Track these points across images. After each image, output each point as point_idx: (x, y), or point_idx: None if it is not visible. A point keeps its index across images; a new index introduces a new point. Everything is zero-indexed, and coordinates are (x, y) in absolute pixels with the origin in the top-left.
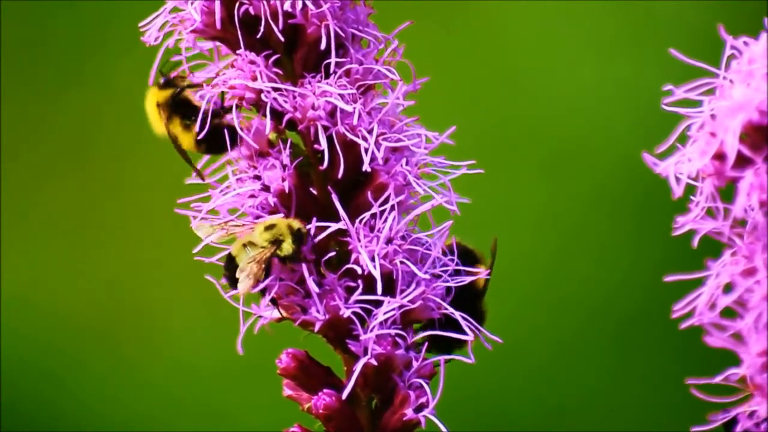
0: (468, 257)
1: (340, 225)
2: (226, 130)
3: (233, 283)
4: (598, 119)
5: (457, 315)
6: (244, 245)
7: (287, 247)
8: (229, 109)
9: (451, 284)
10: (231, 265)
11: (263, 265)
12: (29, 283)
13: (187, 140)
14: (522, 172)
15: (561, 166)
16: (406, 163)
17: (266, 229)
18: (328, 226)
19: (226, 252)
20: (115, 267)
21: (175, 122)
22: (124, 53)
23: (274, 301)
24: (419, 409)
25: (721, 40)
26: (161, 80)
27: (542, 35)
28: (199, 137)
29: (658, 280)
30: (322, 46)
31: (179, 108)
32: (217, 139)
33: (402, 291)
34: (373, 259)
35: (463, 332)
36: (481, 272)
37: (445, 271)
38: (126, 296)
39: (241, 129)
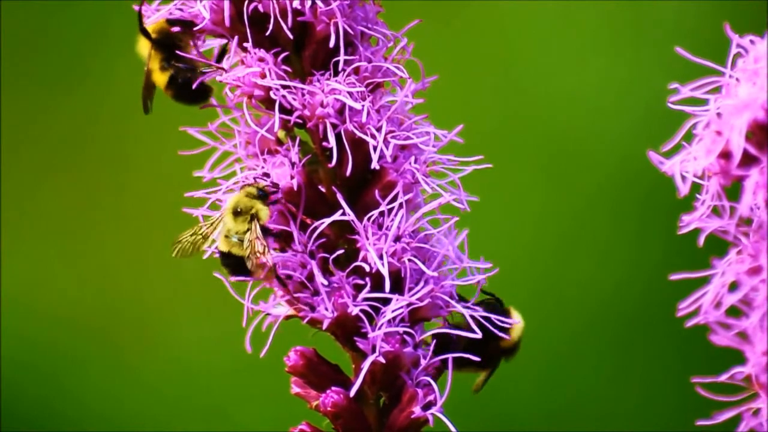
0: (496, 311)
1: (345, 217)
2: (195, 83)
3: (244, 269)
4: (599, 119)
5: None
6: (227, 236)
7: (264, 213)
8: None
9: (458, 283)
10: (230, 259)
11: (261, 240)
12: (29, 284)
13: (160, 80)
14: (522, 172)
15: (561, 165)
16: (415, 161)
17: (234, 214)
18: (335, 222)
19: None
20: (115, 267)
21: (155, 59)
22: (122, 52)
23: (282, 283)
24: (427, 407)
25: (721, 40)
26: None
27: (542, 35)
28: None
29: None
30: (331, 43)
31: (164, 46)
32: (187, 89)
33: (410, 289)
34: (381, 257)
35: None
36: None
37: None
38: (126, 296)
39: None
